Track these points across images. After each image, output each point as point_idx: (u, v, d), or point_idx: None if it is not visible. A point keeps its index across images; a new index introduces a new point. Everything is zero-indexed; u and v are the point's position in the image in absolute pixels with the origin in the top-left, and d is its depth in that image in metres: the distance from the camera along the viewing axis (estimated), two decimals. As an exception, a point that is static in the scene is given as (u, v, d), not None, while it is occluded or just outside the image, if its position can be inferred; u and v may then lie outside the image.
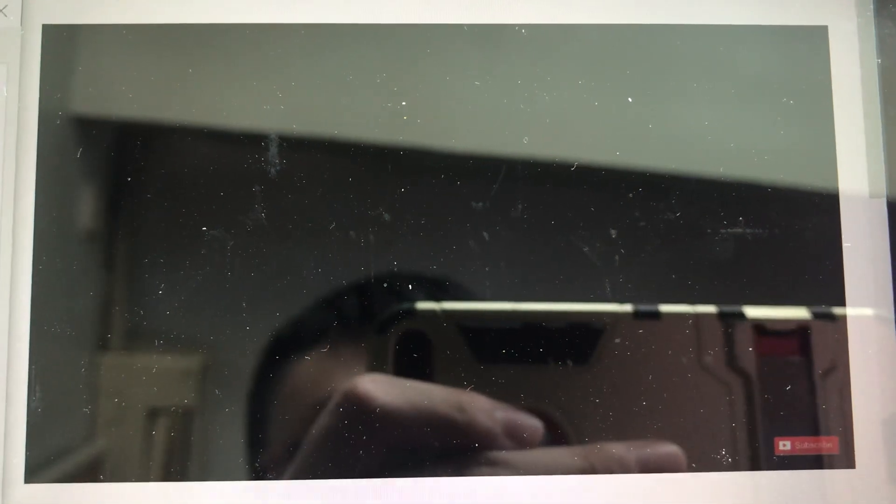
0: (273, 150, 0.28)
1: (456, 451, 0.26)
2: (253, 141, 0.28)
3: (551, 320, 0.27)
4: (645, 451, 0.27)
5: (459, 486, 0.27)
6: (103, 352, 0.27)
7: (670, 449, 0.27)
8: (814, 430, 0.27)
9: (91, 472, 0.26)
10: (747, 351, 0.28)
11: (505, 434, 0.26)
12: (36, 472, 0.26)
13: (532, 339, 0.27)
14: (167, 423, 0.27)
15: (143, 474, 0.27)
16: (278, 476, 0.27)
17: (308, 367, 0.27)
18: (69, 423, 0.27)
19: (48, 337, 0.27)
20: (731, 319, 0.28)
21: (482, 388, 0.27)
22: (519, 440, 0.27)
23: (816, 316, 0.28)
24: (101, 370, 0.27)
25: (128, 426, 0.27)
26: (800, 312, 0.28)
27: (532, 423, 0.27)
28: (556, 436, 0.27)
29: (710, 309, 0.28)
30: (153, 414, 0.27)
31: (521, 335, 0.27)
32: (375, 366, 0.27)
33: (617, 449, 0.27)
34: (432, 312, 0.27)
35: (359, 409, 0.26)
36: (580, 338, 0.27)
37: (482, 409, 0.26)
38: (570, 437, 0.27)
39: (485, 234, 0.27)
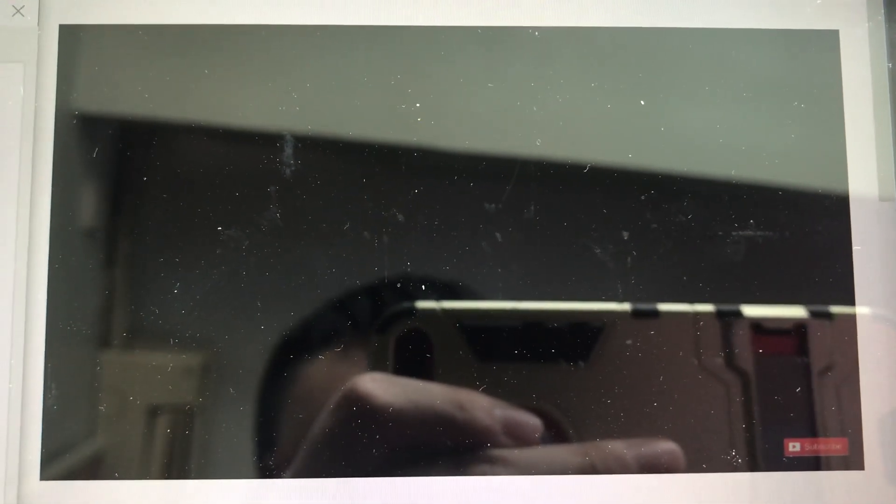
0: (288, 150, 0.28)
1: (456, 450, 0.26)
2: (268, 141, 0.28)
3: (553, 319, 0.27)
4: (643, 448, 0.27)
5: (459, 484, 0.27)
6: (118, 350, 0.27)
7: (669, 446, 0.27)
8: (823, 431, 0.27)
9: (106, 470, 0.27)
10: (756, 352, 0.28)
11: (504, 432, 0.27)
12: (51, 468, 0.26)
13: (533, 337, 0.27)
14: (181, 421, 0.27)
15: (157, 472, 0.27)
16: (281, 474, 0.27)
17: (317, 367, 0.27)
18: (84, 421, 0.27)
19: (64, 335, 0.27)
20: (739, 320, 0.28)
21: (482, 386, 0.27)
22: (518, 438, 0.27)
23: (826, 318, 0.28)
24: (117, 368, 0.27)
25: (142, 424, 0.27)
26: (809, 314, 0.28)
27: (532, 422, 0.27)
28: (556, 434, 0.27)
29: (719, 310, 0.28)
30: (167, 412, 0.27)
31: (522, 334, 0.27)
32: (376, 365, 0.27)
33: (616, 447, 0.27)
34: (433, 311, 0.27)
35: (359, 408, 0.26)
36: (584, 337, 0.27)
37: (482, 407, 0.27)
38: (571, 435, 0.27)
39: (497, 235, 0.28)
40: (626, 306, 0.28)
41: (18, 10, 0.28)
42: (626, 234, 0.28)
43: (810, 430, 0.27)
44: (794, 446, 0.27)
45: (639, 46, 0.29)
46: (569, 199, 0.28)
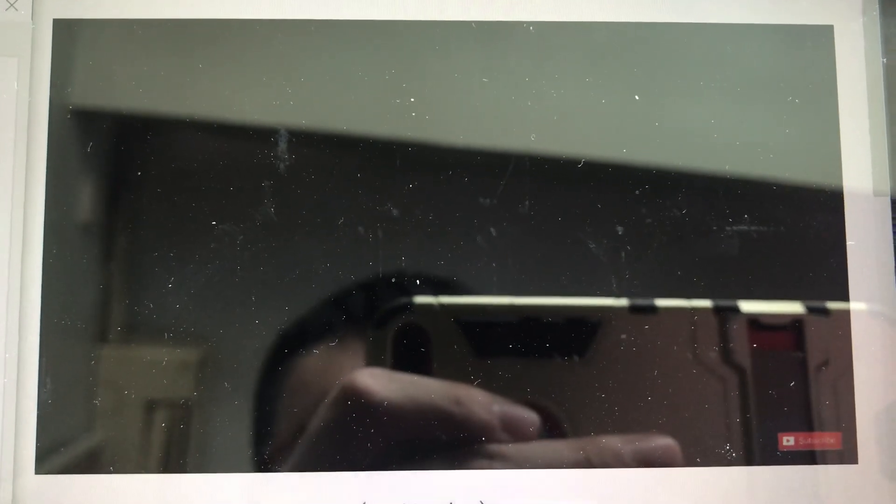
0: (282, 145, 0.28)
1: (453, 444, 0.26)
2: (262, 136, 0.28)
3: (549, 314, 0.27)
4: (640, 443, 0.27)
5: (456, 478, 0.27)
6: (113, 344, 0.27)
7: (666, 441, 0.27)
8: (817, 425, 0.28)
9: (101, 464, 0.27)
10: (751, 347, 0.28)
11: (502, 427, 0.27)
12: (46, 462, 0.27)
13: (530, 333, 0.27)
14: (176, 415, 0.27)
15: (151, 466, 0.27)
16: (278, 468, 0.27)
17: (312, 362, 0.27)
18: (79, 415, 0.27)
19: (58, 329, 0.27)
20: (733, 315, 0.28)
21: (480, 381, 0.27)
22: (516, 433, 0.27)
23: (820, 313, 0.28)
24: (111, 363, 0.27)
25: (137, 418, 0.27)
26: (803, 309, 0.28)
27: (529, 417, 0.27)
28: (553, 429, 0.27)
29: (714, 305, 0.28)
30: (162, 406, 0.27)
31: (519, 329, 0.27)
32: (373, 359, 0.27)
33: (613, 442, 0.27)
34: (430, 306, 0.27)
35: (357, 403, 0.26)
36: (579, 332, 0.27)
37: (479, 402, 0.27)
38: (568, 430, 0.27)
39: (492, 230, 0.28)
40: (621, 301, 0.28)
41: (12, 5, 0.28)
42: (620, 229, 0.28)
43: (804, 424, 0.27)
44: (787, 440, 0.27)
45: (633, 41, 0.29)
46: (563, 194, 0.28)
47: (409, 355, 0.27)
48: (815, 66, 0.29)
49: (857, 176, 0.29)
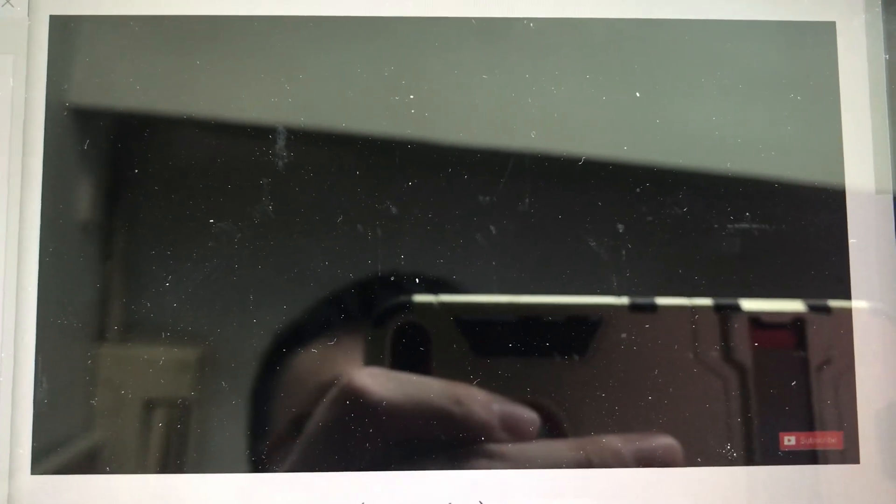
0: (281, 142, 0.28)
1: (452, 444, 0.26)
2: (260, 133, 0.28)
3: (550, 313, 0.27)
4: (641, 443, 0.27)
5: (456, 478, 0.27)
6: (110, 344, 0.27)
7: (667, 441, 0.27)
8: (818, 425, 0.27)
9: (97, 464, 0.27)
10: (752, 346, 0.28)
11: (502, 427, 0.27)
12: (42, 463, 0.26)
13: (530, 331, 0.27)
14: (174, 415, 0.27)
15: (149, 466, 0.27)
16: (277, 468, 0.27)
17: (310, 361, 0.27)
18: (76, 415, 0.27)
19: (55, 329, 0.27)
20: (735, 314, 0.28)
21: (479, 380, 0.27)
22: (516, 433, 0.27)
23: (821, 311, 0.28)
24: (108, 362, 0.27)
25: (134, 418, 0.27)
26: (805, 308, 0.28)
27: (529, 416, 0.27)
28: (553, 429, 0.27)
29: (715, 303, 0.28)
30: (160, 406, 0.27)
31: (519, 328, 0.27)
32: (372, 359, 0.27)
33: (613, 441, 0.27)
34: (430, 305, 0.27)
35: (356, 403, 0.26)
36: (579, 330, 0.27)
37: (479, 401, 0.27)
38: (568, 429, 0.27)
39: (492, 228, 0.28)
40: (621, 300, 0.27)
41: (8, 1, 0.28)
42: (621, 227, 0.28)
43: (805, 423, 0.27)
44: (789, 440, 0.27)
45: (634, 38, 0.29)
46: (564, 192, 0.28)
47: (409, 354, 0.27)
48: (816, 63, 0.29)
49: (859, 173, 0.29)
